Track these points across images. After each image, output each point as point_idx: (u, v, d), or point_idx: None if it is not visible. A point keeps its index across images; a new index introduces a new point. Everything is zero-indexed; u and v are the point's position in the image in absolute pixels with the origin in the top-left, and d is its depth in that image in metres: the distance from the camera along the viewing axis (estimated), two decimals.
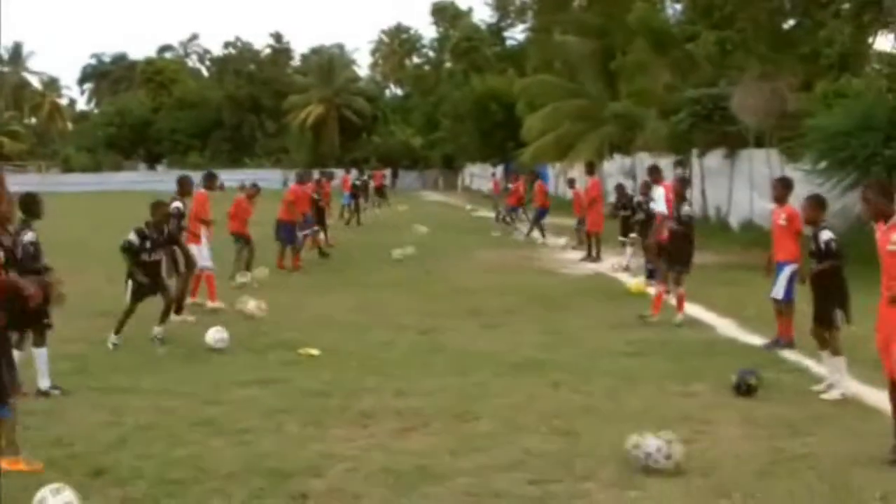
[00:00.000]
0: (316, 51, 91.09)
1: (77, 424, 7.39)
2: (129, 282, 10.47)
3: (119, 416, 7.63)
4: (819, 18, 21.74)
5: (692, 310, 12.56)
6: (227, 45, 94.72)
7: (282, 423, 7.41)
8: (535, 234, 25.71)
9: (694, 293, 12.41)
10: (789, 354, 9.89)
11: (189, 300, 12.90)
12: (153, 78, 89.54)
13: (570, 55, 41.48)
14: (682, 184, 13.66)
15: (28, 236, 7.81)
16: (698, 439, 6.88)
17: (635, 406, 7.91)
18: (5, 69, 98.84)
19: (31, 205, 8.15)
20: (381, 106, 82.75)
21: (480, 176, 62.35)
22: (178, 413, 7.72)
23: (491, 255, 21.75)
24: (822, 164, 18.15)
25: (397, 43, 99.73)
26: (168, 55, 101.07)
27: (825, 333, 8.41)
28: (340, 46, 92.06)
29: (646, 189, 16.02)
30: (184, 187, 13.09)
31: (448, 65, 79.96)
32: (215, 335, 10.46)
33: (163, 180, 60.26)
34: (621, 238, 19.10)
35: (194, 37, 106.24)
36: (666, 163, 25.34)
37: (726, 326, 11.90)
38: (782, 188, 10.52)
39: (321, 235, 21.63)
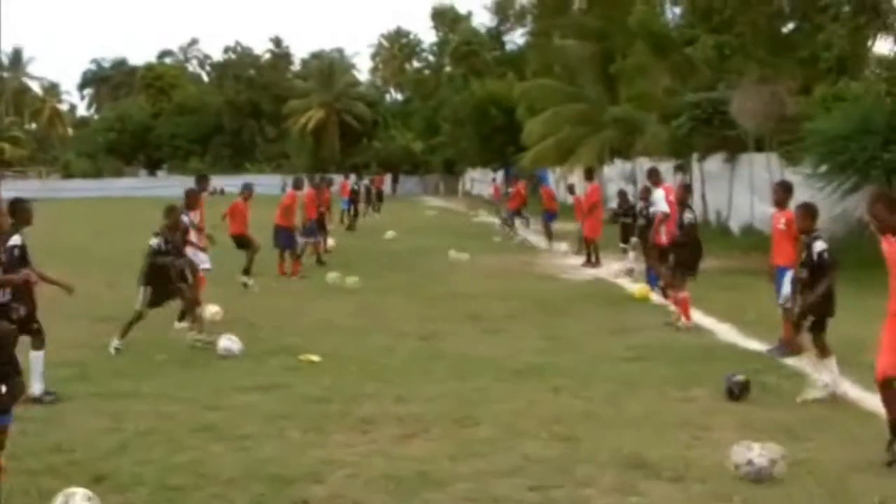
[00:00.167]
0: (316, 55, 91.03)
1: (77, 430, 7.39)
2: (143, 287, 10.50)
3: (119, 421, 7.63)
4: (818, 22, 21.76)
5: (692, 314, 12.55)
6: (227, 50, 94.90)
7: (282, 428, 7.42)
8: (544, 240, 25.49)
9: (694, 298, 12.40)
10: (789, 360, 9.88)
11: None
12: (153, 83, 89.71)
13: (569, 59, 41.54)
14: (686, 190, 13.48)
15: (13, 240, 7.71)
16: (697, 444, 6.91)
17: (635, 411, 7.92)
18: (6, 74, 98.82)
19: (19, 211, 8.05)
20: (382, 110, 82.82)
21: (481, 181, 62.35)
22: (179, 418, 7.73)
23: (492, 260, 21.73)
24: (822, 168, 18.17)
25: (397, 47, 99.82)
26: (168, 60, 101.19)
27: (817, 339, 8.43)
28: (340, 51, 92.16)
29: (646, 194, 15.90)
30: (191, 200, 13.11)
31: (448, 69, 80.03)
32: (226, 343, 10.45)
33: (163, 186, 60.47)
34: (622, 245, 19.08)
35: (194, 42, 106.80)
36: (666, 167, 25.35)
37: (726, 331, 11.89)
38: (782, 192, 10.51)
39: (322, 243, 21.56)
